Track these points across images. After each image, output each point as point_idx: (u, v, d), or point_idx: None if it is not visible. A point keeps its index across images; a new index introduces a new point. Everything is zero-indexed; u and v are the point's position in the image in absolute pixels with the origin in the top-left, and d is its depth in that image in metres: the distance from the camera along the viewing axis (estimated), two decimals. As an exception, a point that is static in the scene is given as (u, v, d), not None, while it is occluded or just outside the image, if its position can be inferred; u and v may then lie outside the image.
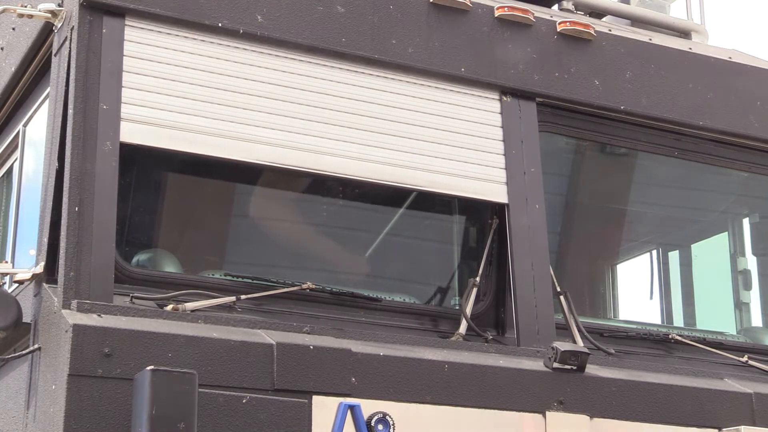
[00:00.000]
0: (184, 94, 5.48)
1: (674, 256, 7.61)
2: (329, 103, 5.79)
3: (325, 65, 5.85)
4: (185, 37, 5.57)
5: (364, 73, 5.93)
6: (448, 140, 6.02)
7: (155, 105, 5.40)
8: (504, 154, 6.12)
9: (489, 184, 6.02)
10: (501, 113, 6.19)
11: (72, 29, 5.40)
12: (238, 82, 5.62)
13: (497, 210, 6.09)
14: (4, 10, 5.83)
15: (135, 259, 5.64)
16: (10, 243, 6.29)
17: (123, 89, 5.36)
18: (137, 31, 5.47)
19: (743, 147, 6.97)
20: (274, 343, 5.01)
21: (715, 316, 7.40)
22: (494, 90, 6.22)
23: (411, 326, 5.93)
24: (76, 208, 5.10)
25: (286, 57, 5.77)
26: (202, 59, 5.58)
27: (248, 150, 5.53)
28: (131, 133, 5.30)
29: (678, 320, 7.40)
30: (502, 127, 6.17)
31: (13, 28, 6.45)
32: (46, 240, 5.29)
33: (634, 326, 6.70)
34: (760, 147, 6.99)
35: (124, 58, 5.41)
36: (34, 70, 6.22)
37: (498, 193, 6.03)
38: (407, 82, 6.01)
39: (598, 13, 7.41)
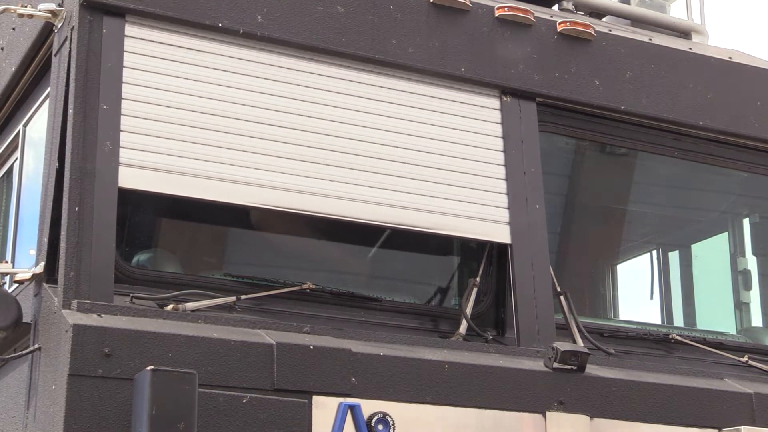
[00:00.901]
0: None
1: (674, 256, 7.60)
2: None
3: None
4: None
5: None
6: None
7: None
8: (504, 153, 6.11)
9: (491, 225, 5.96)
10: (501, 113, 6.19)
11: (72, 29, 5.40)
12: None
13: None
14: (4, 10, 5.83)
15: (135, 259, 5.64)
16: (10, 243, 6.28)
17: (123, 89, 5.35)
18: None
19: (743, 147, 6.97)
20: (274, 343, 5.01)
21: (715, 316, 7.40)
22: (494, 90, 6.22)
23: (411, 326, 5.93)
24: (76, 208, 5.10)
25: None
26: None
27: (237, 191, 5.47)
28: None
29: (678, 320, 7.40)
30: (502, 127, 6.16)
31: (13, 28, 6.45)
32: (46, 240, 5.29)
33: (634, 326, 6.70)
34: (760, 147, 6.99)
35: (124, 57, 5.41)
36: (34, 70, 6.22)
37: (501, 233, 5.98)
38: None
39: (598, 13, 7.41)
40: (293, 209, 5.56)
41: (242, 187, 5.46)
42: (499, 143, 6.13)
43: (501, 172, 6.08)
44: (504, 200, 6.02)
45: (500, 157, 6.10)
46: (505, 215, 6.01)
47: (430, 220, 5.84)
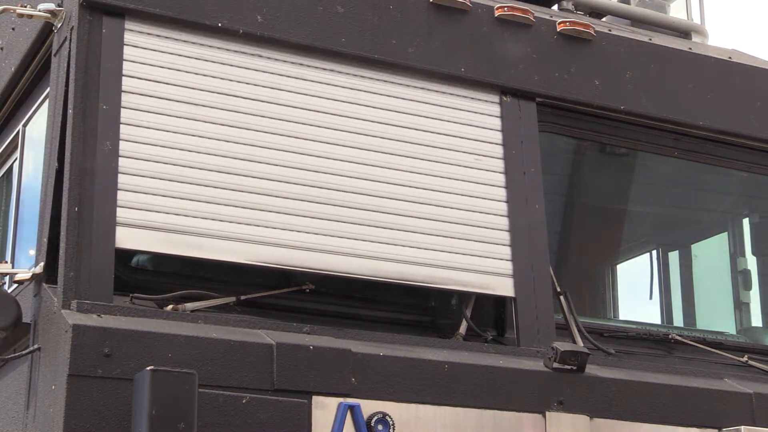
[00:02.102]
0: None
1: (674, 256, 7.60)
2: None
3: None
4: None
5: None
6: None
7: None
8: (503, 156, 6.10)
9: (494, 278, 5.87)
10: (501, 113, 6.18)
11: (72, 29, 5.40)
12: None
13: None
14: (4, 10, 5.83)
15: (135, 260, 5.64)
16: (10, 243, 6.28)
17: (123, 89, 5.35)
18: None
19: (743, 147, 6.97)
20: (274, 343, 5.01)
21: (715, 316, 7.40)
22: (494, 90, 6.21)
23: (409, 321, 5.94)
24: (76, 208, 5.10)
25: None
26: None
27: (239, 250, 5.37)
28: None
29: (678, 320, 7.40)
30: (501, 127, 6.16)
31: (13, 28, 6.45)
32: (45, 240, 5.29)
33: (634, 326, 6.70)
34: (760, 147, 6.99)
35: (124, 58, 5.40)
36: (34, 70, 6.22)
37: (504, 286, 5.89)
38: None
39: (598, 13, 7.41)
40: (291, 267, 5.44)
41: (237, 244, 5.35)
42: (498, 145, 6.11)
43: (504, 217, 5.96)
44: (507, 252, 5.93)
45: (502, 194, 6.02)
46: (508, 267, 5.92)
47: (430, 274, 5.73)
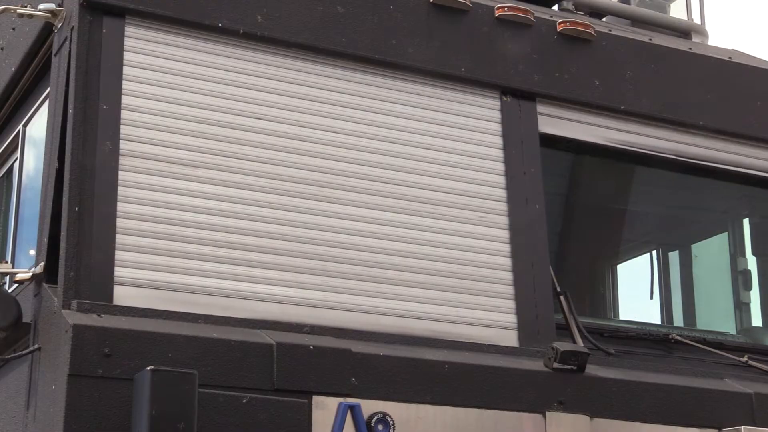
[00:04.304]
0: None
1: (674, 256, 7.60)
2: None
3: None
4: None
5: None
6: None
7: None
8: (503, 153, 6.10)
9: (499, 331, 5.80)
10: (501, 113, 6.18)
11: (72, 29, 5.40)
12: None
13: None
14: (4, 10, 5.83)
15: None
16: (10, 243, 6.28)
17: (123, 89, 5.35)
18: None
19: (743, 147, 6.96)
20: (274, 343, 5.01)
21: (715, 316, 7.40)
22: (494, 90, 6.21)
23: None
24: (76, 208, 5.10)
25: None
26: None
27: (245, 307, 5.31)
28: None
29: (678, 320, 7.40)
30: (501, 126, 6.16)
31: (13, 28, 6.45)
32: (46, 240, 5.29)
33: (634, 326, 6.70)
34: (760, 147, 6.98)
35: (124, 57, 5.41)
36: (34, 70, 6.22)
37: (508, 339, 5.82)
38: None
39: (598, 13, 7.41)
40: (290, 323, 5.36)
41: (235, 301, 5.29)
42: (498, 143, 6.12)
43: (512, 320, 5.90)
44: (512, 305, 5.88)
45: (507, 253, 5.99)
46: (513, 320, 5.86)
47: (437, 329, 5.66)
